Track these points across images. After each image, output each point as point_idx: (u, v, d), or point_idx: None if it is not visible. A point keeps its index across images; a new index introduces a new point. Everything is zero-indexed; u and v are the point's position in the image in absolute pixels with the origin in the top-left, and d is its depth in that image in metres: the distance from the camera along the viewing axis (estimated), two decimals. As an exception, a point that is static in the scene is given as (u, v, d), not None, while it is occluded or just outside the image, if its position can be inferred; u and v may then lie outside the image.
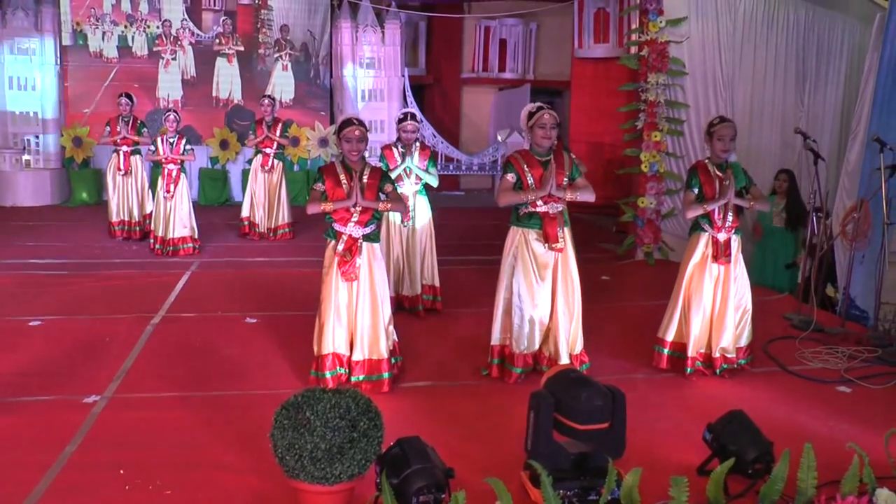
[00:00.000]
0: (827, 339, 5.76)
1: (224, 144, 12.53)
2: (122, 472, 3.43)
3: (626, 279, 7.86)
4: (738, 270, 4.97)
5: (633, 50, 8.72)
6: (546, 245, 4.63)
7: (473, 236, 9.99)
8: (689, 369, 4.90)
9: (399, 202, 4.63)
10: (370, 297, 4.49)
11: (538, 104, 4.68)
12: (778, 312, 6.44)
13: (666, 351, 5.04)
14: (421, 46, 14.39)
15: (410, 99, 13.23)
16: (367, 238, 4.49)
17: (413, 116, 6.00)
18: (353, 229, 4.44)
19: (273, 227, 9.37)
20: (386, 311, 4.55)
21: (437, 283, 6.20)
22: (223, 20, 12.56)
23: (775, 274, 7.52)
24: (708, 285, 4.91)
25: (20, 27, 11.61)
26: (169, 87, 12.56)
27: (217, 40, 12.59)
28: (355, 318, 4.49)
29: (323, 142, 12.64)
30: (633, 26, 8.40)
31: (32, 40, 11.79)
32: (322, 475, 2.78)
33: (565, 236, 4.68)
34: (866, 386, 4.85)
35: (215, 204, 12.31)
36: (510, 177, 4.61)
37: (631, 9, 8.50)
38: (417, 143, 6.01)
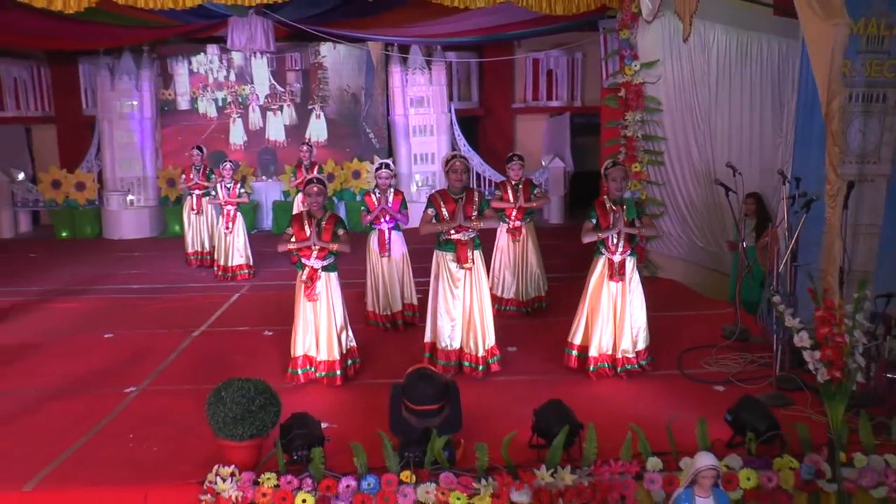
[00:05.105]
0: (747, 347, 6.62)
1: (294, 179, 14.31)
2: (131, 435, 5.03)
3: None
4: (633, 286, 6.01)
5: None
6: (458, 265, 5.88)
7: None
8: (592, 367, 5.98)
9: (346, 244, 5.92)
10: (326, 313, 5.90)
11: (454, 153, 5.98)
12: (722, 323, 7.31)
13: (574, 352, 6.14)
14: (473, 81, 15.68)
15: (458, 132, 14.55)
16: (325, 269, 5.90)
17: (388, 166, 7.33)
18: (314, 262, 5.87)
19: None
20: (339, 323, 5.93)
21: (415, 302, 7.50)
22: (271, 85, 14.73)
23: (747, 287, 8.34)
24: (606, 298, 5.97)
25: (124, 89, 13.82)
26: (237, 135, 14.79)
27: (266, 100, 14.71)
28: (317, 329, 5.90)
29: (356, 174, 14.23)
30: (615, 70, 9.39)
31: (132, 101, 13.96)
32: (231, 434, 4.19)
33: (475, 257, 5.90)
34: (740, 385, 5.77)
35: (287, 232, 14.03)
36: (430, 211, 5.91)
37: (611, 55, 9.50)
38: (392, 189, 7.34)
